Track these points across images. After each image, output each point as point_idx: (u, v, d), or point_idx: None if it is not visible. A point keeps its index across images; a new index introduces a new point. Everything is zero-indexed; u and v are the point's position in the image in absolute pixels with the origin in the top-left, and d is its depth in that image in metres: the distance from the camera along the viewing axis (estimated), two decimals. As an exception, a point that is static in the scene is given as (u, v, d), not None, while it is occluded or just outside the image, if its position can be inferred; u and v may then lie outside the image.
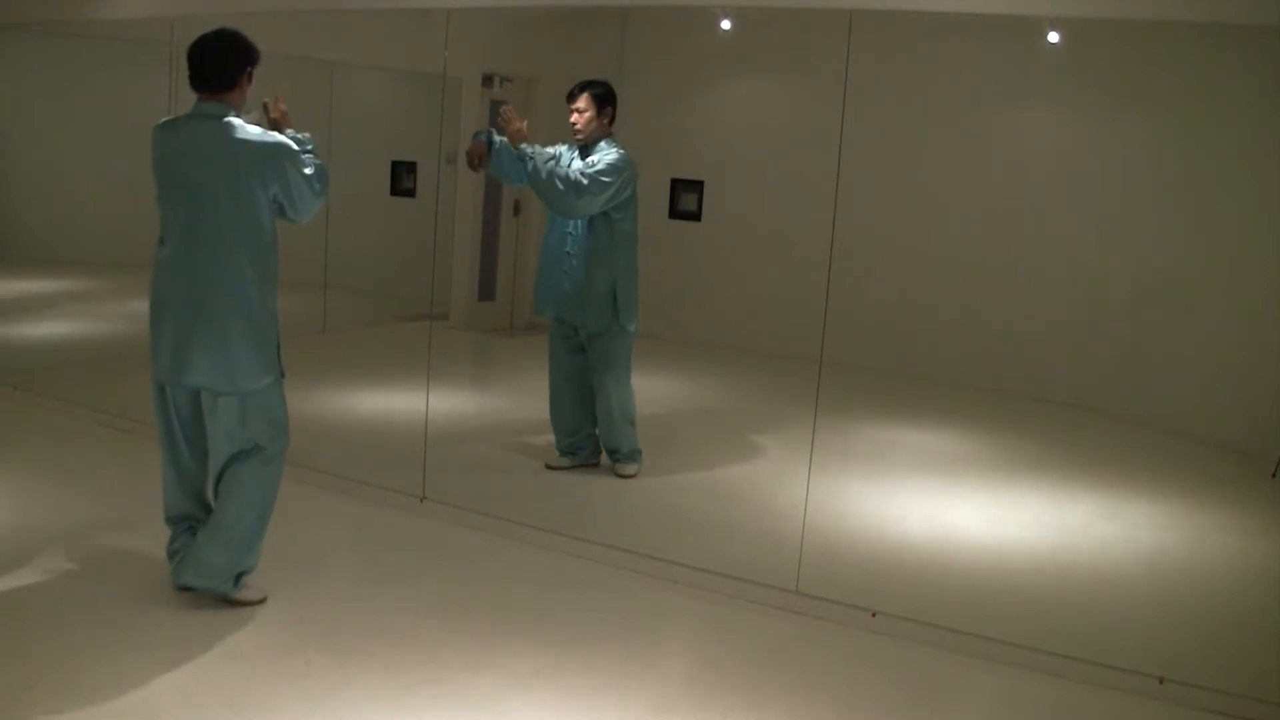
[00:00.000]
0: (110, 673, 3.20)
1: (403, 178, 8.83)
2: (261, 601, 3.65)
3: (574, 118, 4.98)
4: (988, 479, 5.74)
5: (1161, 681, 3.53)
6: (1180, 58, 6.73)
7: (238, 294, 3.39)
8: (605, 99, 4.98)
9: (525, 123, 4.89)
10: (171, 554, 3.79)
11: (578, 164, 4.94)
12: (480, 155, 4.99)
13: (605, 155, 4.91)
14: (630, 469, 5.23)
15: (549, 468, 5.35)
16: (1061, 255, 7.45)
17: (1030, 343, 7.50)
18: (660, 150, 8.66)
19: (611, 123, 5.02)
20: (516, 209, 9.01)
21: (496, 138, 5.00)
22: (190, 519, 3.75)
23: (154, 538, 4.12)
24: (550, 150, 5.07)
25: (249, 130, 3.41)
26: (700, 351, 8.25)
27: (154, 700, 3.07)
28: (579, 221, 5.03)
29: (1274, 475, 5.82)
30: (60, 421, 5.78)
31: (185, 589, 3.74)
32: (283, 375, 3.57)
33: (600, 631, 3.72)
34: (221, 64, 3.42)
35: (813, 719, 3.25)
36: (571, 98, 4.99)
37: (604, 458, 5.41)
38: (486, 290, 8.96)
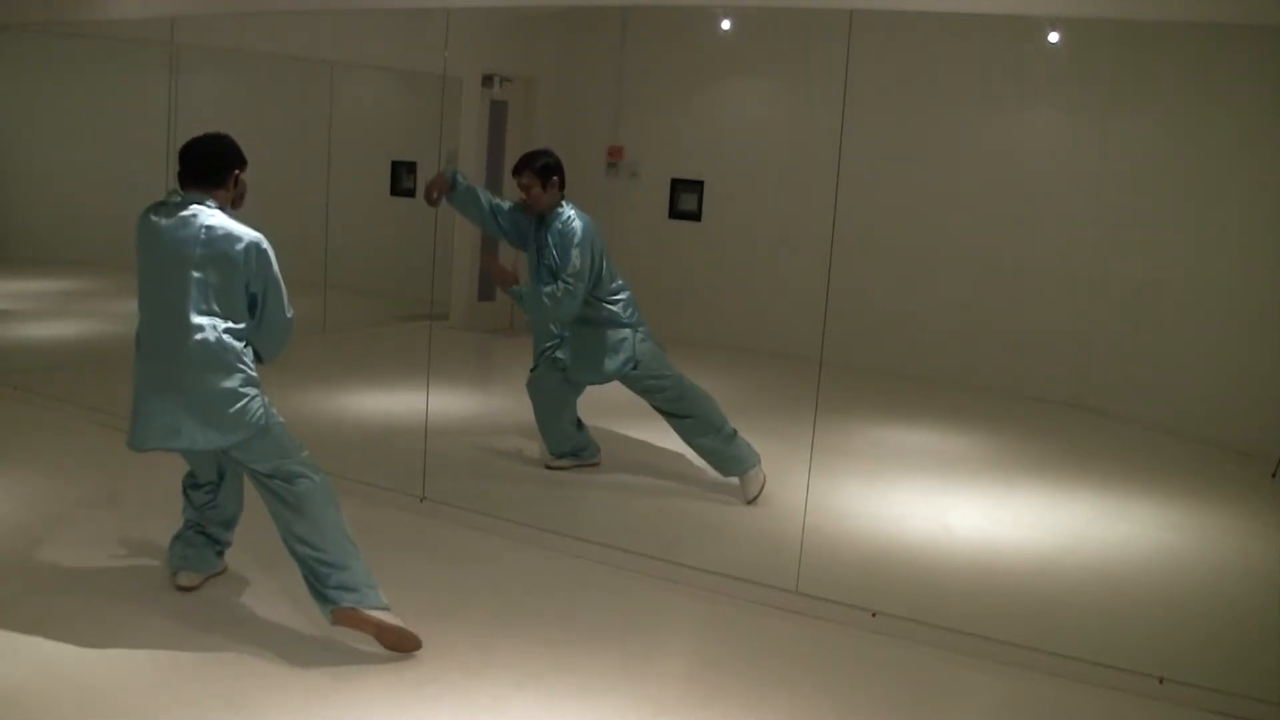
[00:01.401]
0: (109, 672, 3.20)
1: (403, 178, 8.84)
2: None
3: (523, 194, 5.04)
4: (988, 479, 5.74)
5: (1161, 681, 3.53)
6: (1181, 58, 6.73)
7: (212, 368, 3.39)
8: (549, 170, 5.01)
9: (516, 265, 5.05)
10: (173, 557, 3.80)
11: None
12: (441, 190, 5.04)
13: (566, 234, 4.93)
14: (745, 490, 5.09)
15: (549, 468, 5.36)
16: (1062, 255, 7.45)
17: (1030, 343, 7.50)
18: (660, 150, 8.68)
19: (561, 188, 5.06)
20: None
21: (461, 179, 5.09)
22: (198, 525, 3.81)
23: (153, 537, 4.12)
24: (509, 204, 5.14)
25: (238, 226, 3.49)
26: (700, 351, 8.25)
27: (154, 700, 3.07)
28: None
29: (1274, 475, 5.82)
30: (60, 421, 5.78)
31: (184, 589, 3.75)
32: (265, 427, 3.47)
33: (600, 631, 3.72)
34: (214, 164, 3.56)
35: (813, 719, 3.25)
36: (518, 173, 5.04)
37: (604, 457, 5.43)
38: (486, 290, 8.96)
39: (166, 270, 3.44)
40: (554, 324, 5.13)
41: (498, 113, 8.90)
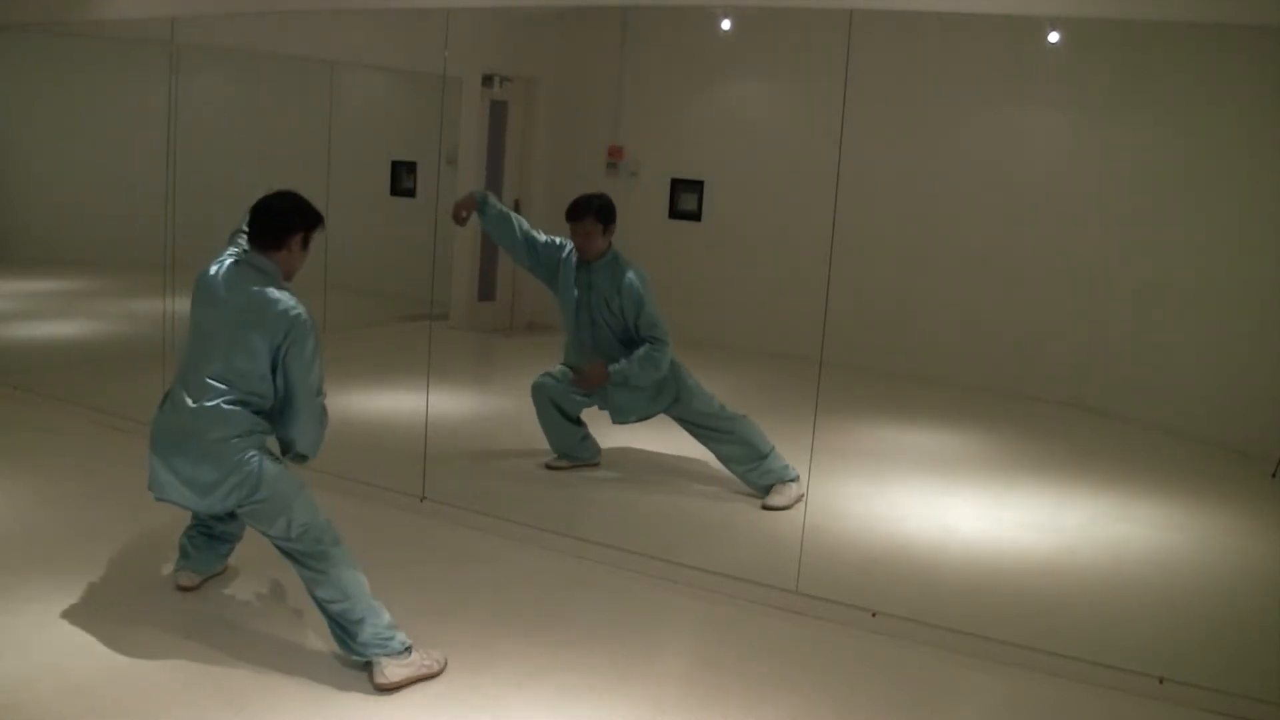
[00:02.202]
0: (111, 672, 3.20)
1: (403, 178, 8.85)
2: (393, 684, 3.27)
3: (580, 240, 4.98)
4: (988, 479, 5.74)
5: (1161, 681, 3.53)
6: (1181, 57, 6.73)
7: (209, 435, 3.33)
8: (607, 214, 4.98)
9: (603, 366, 4.98)
10: (178, 556, 3.81)
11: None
12: (469, 210, 5.04)
13: (633, 292, 4.93)
14: (773, 498, 5.02)
15: (549, 467, 5.36)
16: (1062, 255, 7.45)
17: (1030, 343, 7.51)
18: (660, 150, 8.68)
19: (612, 233, 5.06)
20: (517, 208, 9.01)
21: (492, 201, 5.08)
22: (204, 524, 3.81)
23: (153, 538, 4.12)
24: (545, 238, 5.12)
25: (283, 294, 3.40)
26: (700, 351, 8.25)
27: (154, 700, 3.07)
28: (609, 343, 5.07)
29: (1274, 475, 5.82)
30: (60, 421, 5.78)
31: (184, 589, 3.75)
32: (254, 492, 3.34)
33: (600, 631, 3.72)
34: (274, 224, 3.45)
35: (813, 719, 3.25)
36: (577, 218, 4.95)
37: (604, 457, 5.43)
38: (486, 290, 8.97)
39: (201, 329, 3.42)
40: (661, 372, 5.00)
41: (498, 113, 8.90)
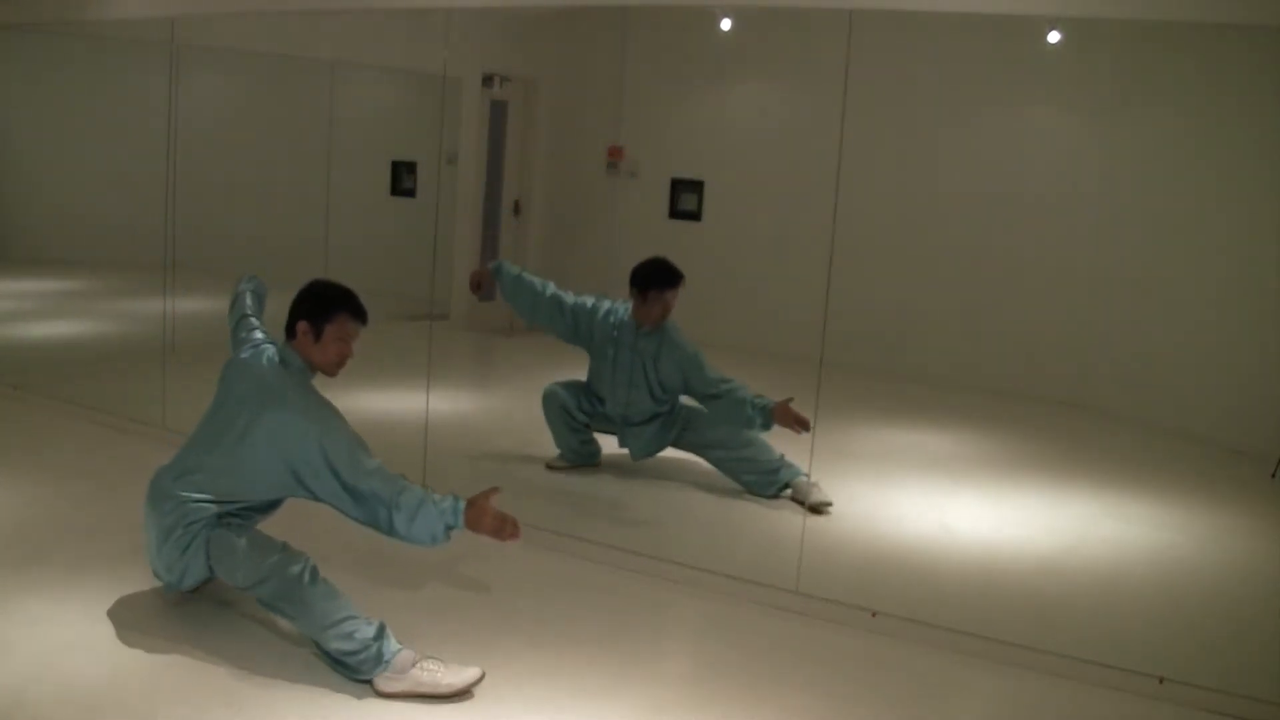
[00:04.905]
0: (109, 672, 3.20)
1: (403, 178, 8.84)
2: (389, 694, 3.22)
3: (657, 309, 5.03)
4: (988, 479, 5.74)
5: (1161, 681, 3.53)
6: (1182, 57, 6.73)
7: (171, 524, 3.38)
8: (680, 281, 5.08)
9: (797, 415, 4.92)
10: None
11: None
12: (484, 279, 5.11)
13: (691, 358, 5.06)
14: (802, 493, 4.95)
15: (549, 468, 5.36)
16: (1061, 255, 7.45)
17: (1030, 343, 7.50)
18: (660, 150, 8.67)
19: None
20: (517, 209, 9.01)
21: (507, 268, 5.12)
22: None
23: (154, 538, 4.12)
24: (575, 300, 5.16)
25: (298, 404, 3.43)
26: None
27: (153, 699, 3.07)
28: (643, 398, 5.16)
29: (1274, 475, 5.82)
30: (60, 421, 5.78)
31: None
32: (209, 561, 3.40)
33: (600, 631, 3.72)
34: (290, 309, 3.48)
35: (812, 718, 3.25)
36: (667, 286, 5.00)
37: (604, 457, 5.43)
38: (486, 291, 8.95)
39: (213, 406, 3.49)
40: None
41: (498, 113, 8.90)
